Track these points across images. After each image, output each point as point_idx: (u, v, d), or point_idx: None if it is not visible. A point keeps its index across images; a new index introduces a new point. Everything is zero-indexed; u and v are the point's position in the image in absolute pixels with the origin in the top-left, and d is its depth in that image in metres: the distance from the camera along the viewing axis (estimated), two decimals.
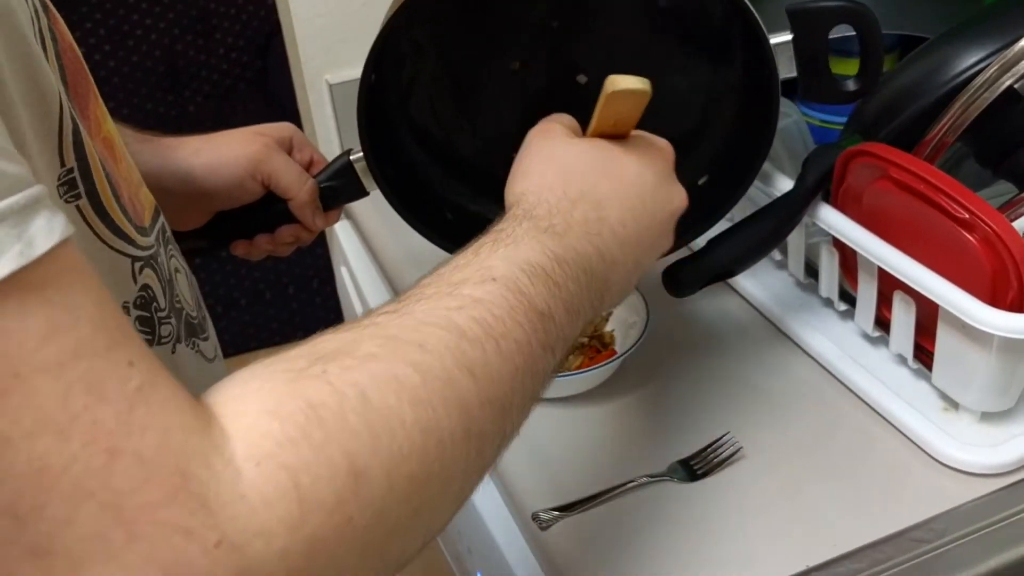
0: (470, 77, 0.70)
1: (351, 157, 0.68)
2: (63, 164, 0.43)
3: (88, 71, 0.50)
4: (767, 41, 0.62)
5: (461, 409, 0.39)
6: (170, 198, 0.56)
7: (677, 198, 0.56)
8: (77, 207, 0.44)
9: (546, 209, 0.50)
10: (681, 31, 0.68)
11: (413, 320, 0.40)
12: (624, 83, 0.52)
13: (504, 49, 0.68)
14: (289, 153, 0.70)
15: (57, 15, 0.47)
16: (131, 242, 0.49)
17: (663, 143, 0.58)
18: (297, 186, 0.68)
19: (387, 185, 0.68)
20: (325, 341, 0.38)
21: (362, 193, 0.70)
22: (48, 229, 0.31)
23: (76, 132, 0.44)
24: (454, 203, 0.72)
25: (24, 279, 0.30)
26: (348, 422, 0.35)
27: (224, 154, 0.67)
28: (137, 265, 0.49)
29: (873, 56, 0.63)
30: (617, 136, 0.56)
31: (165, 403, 0.32)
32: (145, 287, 0.50)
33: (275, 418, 0.34)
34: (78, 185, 0.44)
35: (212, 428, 0.33)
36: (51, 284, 0.31)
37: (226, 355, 0.64)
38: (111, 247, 0.47)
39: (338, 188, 0.69)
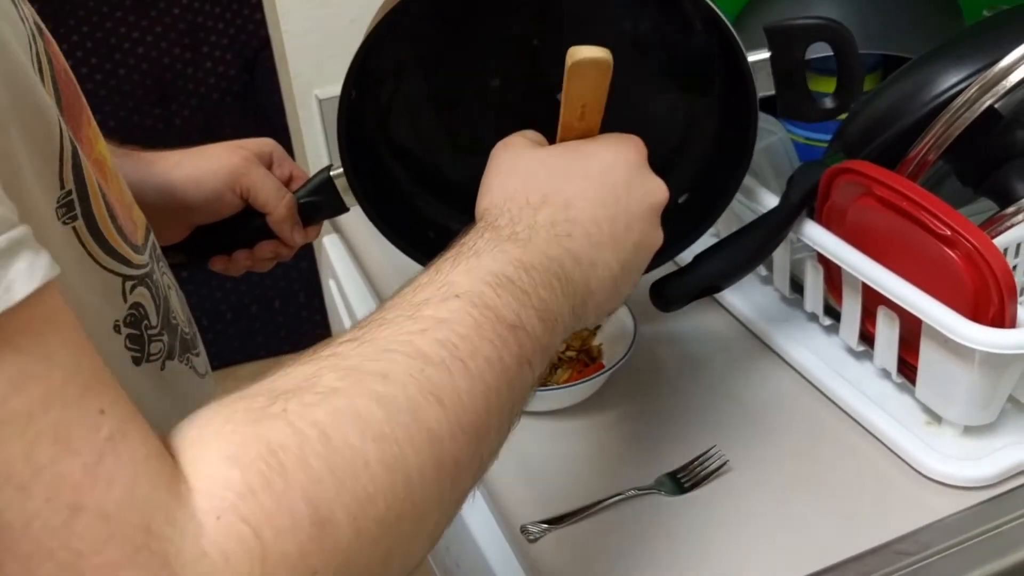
0: (450, 94, 0.70)
1: (331, 173, 0.68)
2: (63, 186, 0.43)
3: (81, 93, 0.50)
4: (745, 59, 0.62)
5: (430, 440, 0.37)
6: (150, 211, 0.57)
7: (656, 191, 0.54)
8: (73, 228, 0.44)
9: (508, 218, 0.48)
10: (661, 49, 0.69)
11: (374, 348, 0.39)
12: (584, 52, 0.50)
13: (484, 67, 0.69)
14: (269, 168, 0.70)
15: (51, 38, 0.48)
16: (126, 262, 0.49)
17: (632, 138, 0.55)
18: (275, 200, 0.68)
19: (367, 202, 0.68)
20: (286, 376, 0.37)
21: (342, 209, 0.70)
22: (29, 273, 0.30)
23: (75, 155, 0.44)
24: (435, 221, 0.72)
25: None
26: (310, 467, 0.33)
27: (203, 167, 0.67)
28: (129, 284, 0.50)
29: (850, 73, 0.64)
30: (585, 135, 0.55)
31: (134, 452, 0.31)
32: (136, 305, 0.50)
33: (236, 465, 0.33)
34: (75, 207, 0.44)
35: (177, 478, 0.32)
36: (25, 331, 0.30)
37: (213, 368, 0.64)
38: (103, 267, 0.47)
39: (318, 204, 0.69)
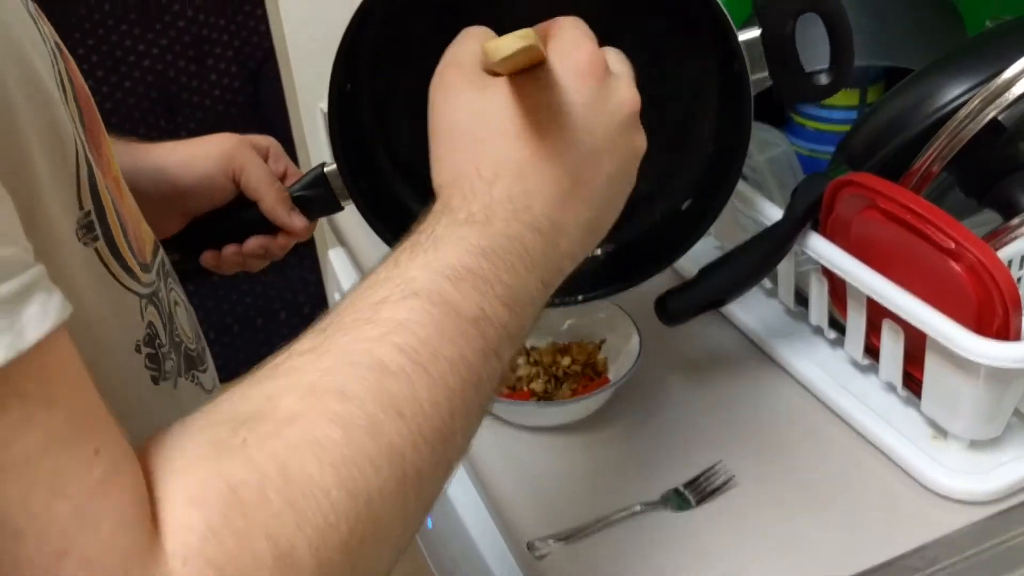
0: None
1: (325, 169, 0.69)
2: (81, 207, 0.43)
3: (97, 111, 0.50)
4: (735, 36, 0.61)
5: (391, 456, 0.36)
6: (144, 200, 0.56)
7: (622, 104, 0.47)
8: (95, 249, 0.45)
9: (461, 197, 0.45)
10: (657, 41, 0.67)
11: (332, 360, 0.38)
12: (503, 50, 0.42)
13: None
14: (265, 160, 0.70)
15: (69, 56, 0.48)
16: (137, 280, 0.49)
17: (587, 52, 0.47)
18: (266, 185, 0.68)
19: (360, 198, 0.67)
20: (245, 398, 0.37)
21: (336, 207, 0.70)
22: (41, 316, 0.31)
23: (91, 175, 0.45)
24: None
25: (7, 372, 0.29)
26: (269, 502, 0.33)
27: (197, 151, 0.68)
28: (143, 303, 0.50)
29: (842, 45, 0.63)
30: (534, 65, 0.46)
31: (122, 494, 0.32)
32: (150, 324, 0.50)
33: (197, 506, 0.33)
34: (95, 227, 0.45)
35: (153, 520, 0.33)
36: (33, 376, 0.30)
37: (220, 381, 0.64)
38: (124, 286, 0.48)
39: (311, 198, 0.70)
